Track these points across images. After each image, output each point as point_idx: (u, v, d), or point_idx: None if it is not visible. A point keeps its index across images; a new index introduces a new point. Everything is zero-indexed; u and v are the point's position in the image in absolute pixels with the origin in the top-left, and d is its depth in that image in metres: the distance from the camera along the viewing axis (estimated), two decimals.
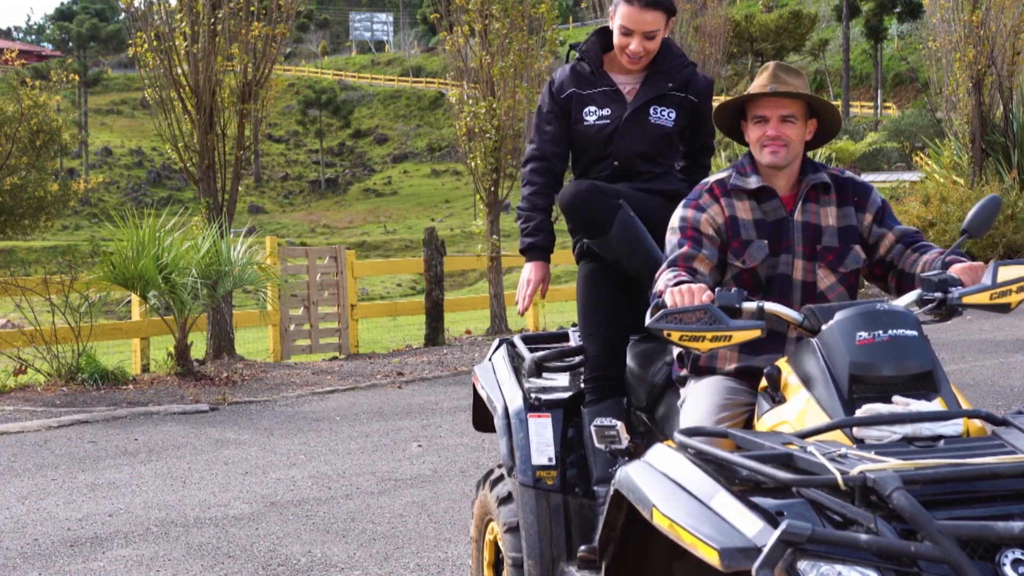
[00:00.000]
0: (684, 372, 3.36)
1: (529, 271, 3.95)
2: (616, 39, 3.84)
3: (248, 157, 13.25)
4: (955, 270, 3.04)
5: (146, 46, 11.86)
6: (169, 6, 12.19)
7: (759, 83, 3.31)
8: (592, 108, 3.91)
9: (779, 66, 3.36)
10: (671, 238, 3.34)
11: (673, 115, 3.89)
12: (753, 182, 3.32)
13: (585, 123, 3.89)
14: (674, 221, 3.35)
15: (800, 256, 3.27)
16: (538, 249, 3.95)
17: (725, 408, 3.09)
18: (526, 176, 4.01)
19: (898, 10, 51.78)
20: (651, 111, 3.88)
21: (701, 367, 3.29)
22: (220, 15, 11.97)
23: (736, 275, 3.27)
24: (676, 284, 3.05)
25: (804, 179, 3.33)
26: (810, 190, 3.32)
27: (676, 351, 3.40)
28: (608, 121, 3.88)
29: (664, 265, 3.29)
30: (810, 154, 3.45)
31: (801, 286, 3.27)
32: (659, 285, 3.17)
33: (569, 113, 3.93)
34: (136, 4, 12.41)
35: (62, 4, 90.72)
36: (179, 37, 11.90)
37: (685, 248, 3.26)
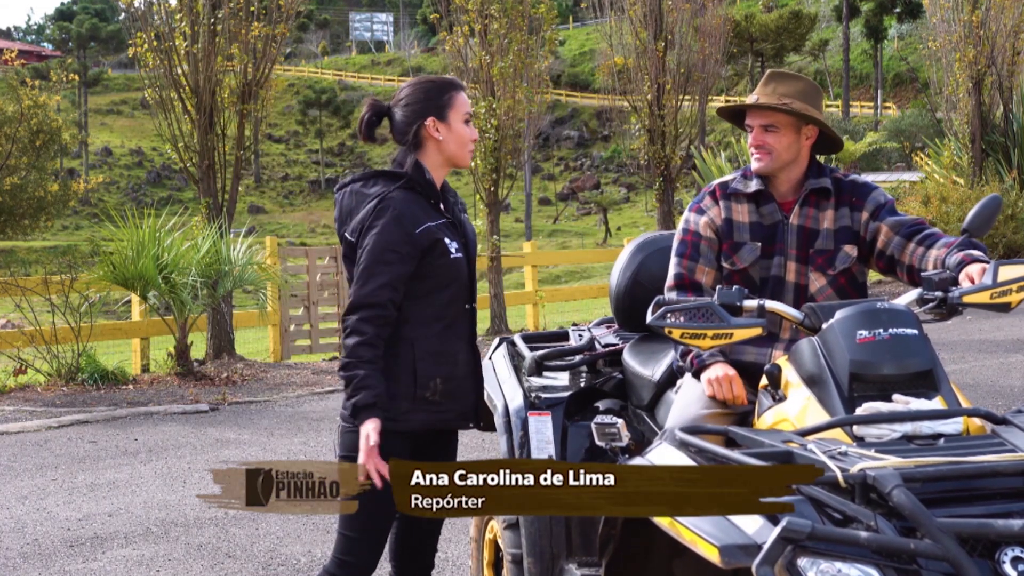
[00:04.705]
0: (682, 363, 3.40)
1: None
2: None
3: (248, 157, 13.26)
4: (971, 272, 2.94)
5: (146, 46, 11.86)
6: (169, 6, 12.20)
7: (754, 93, 3.38)
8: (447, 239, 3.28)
9: (772, 74, 3.39)
10: (676, 239, 3.45)
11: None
12: (752, 186, 3.38)
13: (452, 255, 3.25)
14: (681, 222, 3.45)
15: (793, 259, 3.30)
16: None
17: (714, 403, 3.14)
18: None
19: (898, 10, 51.75)
20: None
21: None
22: (220, 15, 11.97)
23: (727, 276, 3.33)
24: (710, 358, 3.18)
25: (806, 184, 3.36)
26: (809, 194, 3.35)
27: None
28: (460, 255, 3.30)
29: (670, 280, 3.37)
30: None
31: (794, 288, 3.29)
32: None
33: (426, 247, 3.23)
34: (136, 4, 12.42)
35: (62, 4, 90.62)
36: (179, 37, 11.91)
37: (685, 262, 3.35)
